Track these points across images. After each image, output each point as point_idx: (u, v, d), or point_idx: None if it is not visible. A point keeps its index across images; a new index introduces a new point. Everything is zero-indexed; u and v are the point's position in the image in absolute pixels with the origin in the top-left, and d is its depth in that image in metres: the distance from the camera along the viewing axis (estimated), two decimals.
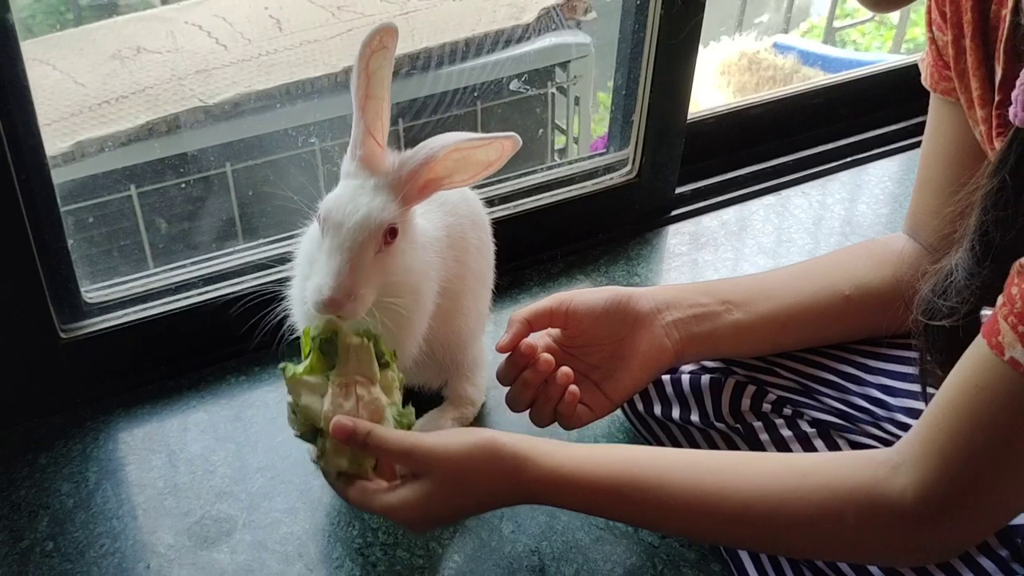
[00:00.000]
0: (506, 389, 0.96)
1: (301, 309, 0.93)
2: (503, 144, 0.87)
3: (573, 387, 0.92)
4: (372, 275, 0.85)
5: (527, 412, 0.95)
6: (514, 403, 0.94)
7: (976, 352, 0.71)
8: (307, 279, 0.87)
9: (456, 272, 0.98)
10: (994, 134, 0.84)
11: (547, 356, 0.93)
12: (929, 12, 0.92)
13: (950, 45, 0.87)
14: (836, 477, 0.76)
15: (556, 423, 0.94)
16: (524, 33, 1.84)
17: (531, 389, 0.93)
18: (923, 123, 1.61)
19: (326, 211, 0.84)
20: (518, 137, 0.86)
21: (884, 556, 0.79)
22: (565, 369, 0.93)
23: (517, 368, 0.93)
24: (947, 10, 0.87)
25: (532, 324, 0.95)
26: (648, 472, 0.81)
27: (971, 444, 0.71)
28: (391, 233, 0.85)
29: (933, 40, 0.93)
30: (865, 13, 3.50)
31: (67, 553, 0.94)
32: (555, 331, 0.98)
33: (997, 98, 0.83)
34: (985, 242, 0.74)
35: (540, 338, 0.96)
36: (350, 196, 0.84)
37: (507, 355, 0.94)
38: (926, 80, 0.96)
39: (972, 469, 0.71)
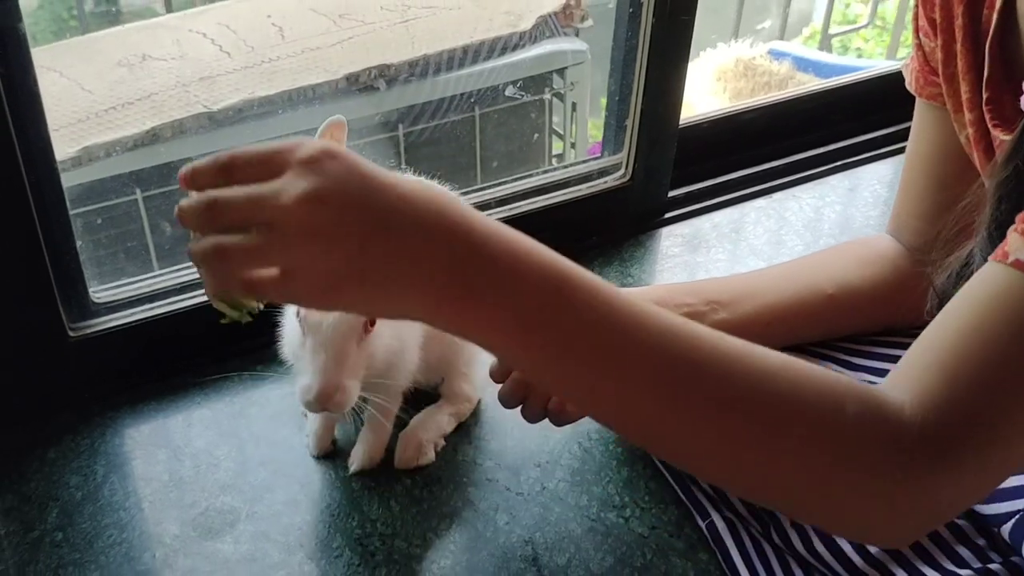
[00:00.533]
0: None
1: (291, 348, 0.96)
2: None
3: None
4: (357, 367, 0.89)
5: (519, 408, 0.98)
6: (506, 400, 0.97)
7: (976, 276, 0.68)
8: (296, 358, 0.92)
9: None
10: (990, 125, 0.86)
11: None
12: (916, 19, 0.95)
13: (939, 50, 0.90)
14: (839, 378, 0.68)
15: (547, 419, 0.97)
16: (521, 40, 1.87)
17: (521, 388, 0.96)
18: None
19: (304, 312, 0.88)
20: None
21: (875, 480, 0.66)
22: None
23: (509, 368, 0.96)
24: (937, 16, 0.89)
25: None
26: (646, 312, 0.67)
27: (974, 359, 0.65)
28: (370, 322, 0.89)
29: (920, 46, 0.95)
30: (861, 20, 3.53)
31: (76, 543, 0.97)
32: None
33: (985, 95, 0.85)
34: (1001, 228, 0.72)
35: None
36: None
37: None
38: (911, 85, 0.99)
39: (975, 387, 0.65)
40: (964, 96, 0.88)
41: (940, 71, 0.91)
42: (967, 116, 0.89)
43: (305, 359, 0.88)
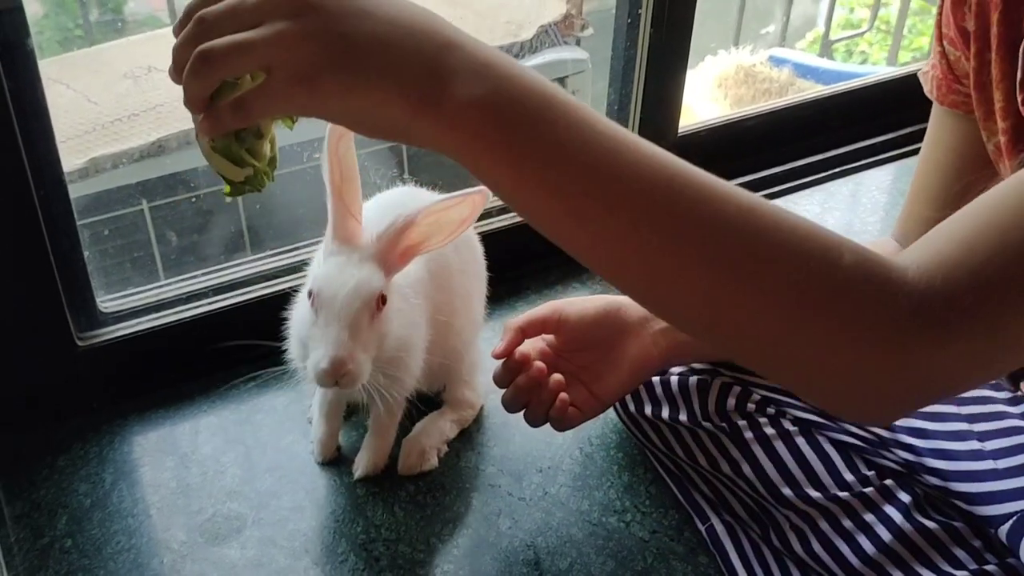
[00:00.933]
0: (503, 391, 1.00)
1: (300, 366, 0.96)
2: (474, 200, 0.90)
3: (563, 394, 0.97)
4: (369, 342, 0.89)
5: (522, 412, 0.99)
6: (509, 405, 0.98)
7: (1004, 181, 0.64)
8: (301, 346, 0.92)
9: (443, 299, 1.04)
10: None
11: (539, 364, 0.97)
12: (939, 27, 0.95)
13: (973, 58, 0.89)
14: (839, 235, 0.62)
15: (548, 423, 0.98)
16: (522, 50, 1.88)
17: (524, 394, 0.97)
18: (914, 133, 1.67)
19: (317, 288, 0.89)
20: (487, 190, 0.89)
21: (866, 334, 0.60)
22: (557, 376, 0.97)
23: (512, 374, 0.98)
24: (968, 25, 0.89)
25: (526, 332, 1.00)
26: (633, 137, 0.62)
27: (992, 229, 0.60)
28: (382, 300, 0.90)
29: (943, 54, 0.95)
30: (862, 25, 3.54)
31: (85, 550, 0.99)
32: (549, 336, 1.02)
33: (1020, 97, 0.85)
34: None
35: (534, 342, 1.01)
36: (339, 270, 0.89)
37: (503, 360, 0.98)
38: (931, 92, 0.98)
39: (990, 254, 0.59)
40: (998, 104, 0.88)
41: (971, 79, 0.91)
42: (1000, 124, 0.89)
43: (316, 335, 0.88)
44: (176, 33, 0.62)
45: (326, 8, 0.59)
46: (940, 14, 0.94)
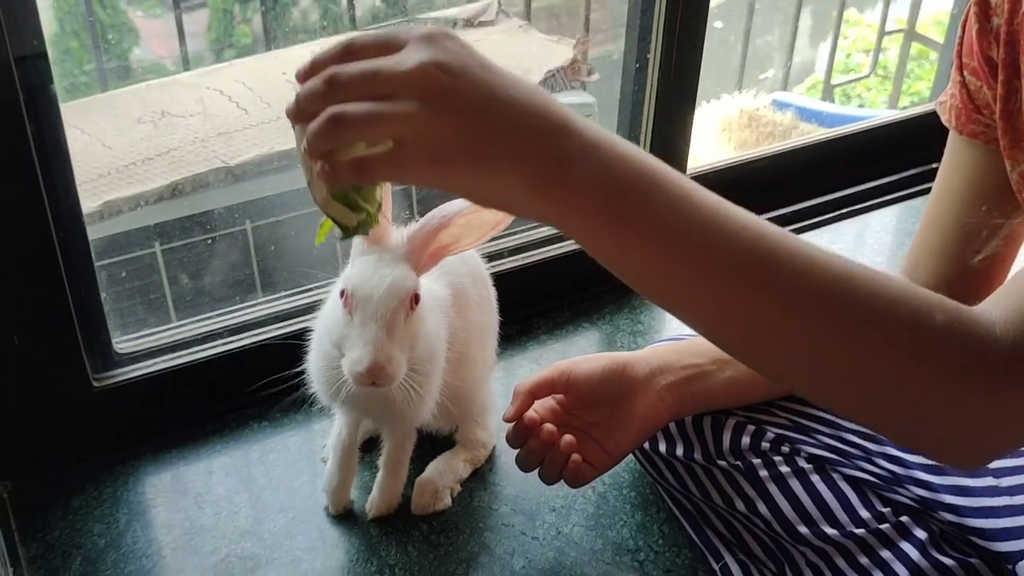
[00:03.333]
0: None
1: (319, 383, 0.97)
2: (497, 219, 0.90)
3: (576, 455, 0.97)
4: (404, 341, 0.89)
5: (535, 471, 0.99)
6: (522, 465, 0.99)
7: None
8: (326, 356, 0.92)
9: (461, 326, 1.04)
10: None
11: (550, 427, 0.97)
12: (959, 56, 0.95)
13: (1000, 86, 0.89)
14: (928, 291, 0.67)
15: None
16: None
17: (537, 455, 0.98)
18: (918, 175, 1.68)
19: (352, 286, 0.88)
20: None
21: (962, 390, 0.65)
22: (568, 437, 0.97)
23: (523, 436, 0.98)
24: (995, 54, 0.89)
25: (535, 394, 1.00)
26: (735, 208, 0.66)
27: None
28: (415, 299, 0.90)
29: (964, 84, 0.95)
30: (862, 70, 3.58)
31: None
32: (559, 395, 1.02)
33: None
34: None
35: (544, 401, 1.01)
36: (373, 269, 0.89)
37: (513, 424, 0.98)
38: (949, 122, 0.98)
39: None
40: None
41: (998, 108, 0.90)
42: None
43: (352, 336, 0.87)
44: (300, 79, 0.65)
45: (459, 92, 0.62)
46: (960, 44, 0.94)
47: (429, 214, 0.91)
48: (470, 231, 0.91)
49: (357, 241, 0.92)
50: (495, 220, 0.90)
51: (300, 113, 0.64)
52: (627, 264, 0.67)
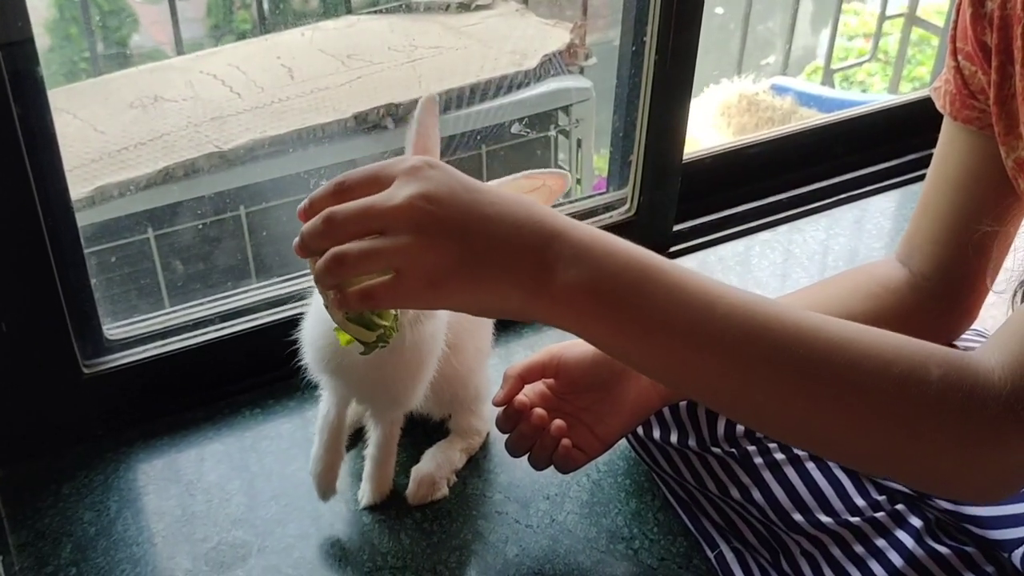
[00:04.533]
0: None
1: (312, 351, 0.96)
2: (551, 186, 0.87)
3: (566, 440, 0.96)
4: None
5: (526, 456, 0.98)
6: (512, 451, 0.98)
7: None
8: (324, 322, 0.89)
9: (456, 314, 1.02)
10: None
11: (540, 411, 0.96)
12: (953, 41, 0.94)
13: (994, 72, 0.88)
14: (923, 343, 0.70)
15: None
16: (527, 79, 1.90)
17: (527, 440, 0.96)
18: (917, 160, 1.68)
19: None
20: (567, 175, 0.87)
21: (962, 440, 0.67)
22: (558, 422, 0.96)
23: (512, 421, 0.97)
24: (988, 39, 0.88)
25: (525, 378, 0.99)
26: (723, 288, 0.70)
27: None
28: None
29: (958, 69, 0.94)
30: (862, 55, 3.56)
31: None
32: (550, 379, 1.01)
33: None
34: None
35: (535, 385, 1.00)
36: None
37: (503, 408, 0.97)
38: (944, 108, 0.97)
39: None
40: (1023, 117, 0.88)
41: (992, 93, 0.90)
42: None
43: None
44: (301, 217, 0.71)
45: (446, 218, 0.67)
46: (955, 29, 0.93)
47: None
48: None
49: None
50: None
51: (305, 250, 0.70)
52: (627, 354, 0.72)
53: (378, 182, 0.69)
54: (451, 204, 0.67)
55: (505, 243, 0.67)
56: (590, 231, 0.70)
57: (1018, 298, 0.89)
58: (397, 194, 0.67)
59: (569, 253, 0.68)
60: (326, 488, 1.04)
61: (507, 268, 0.67)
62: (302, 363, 0.98)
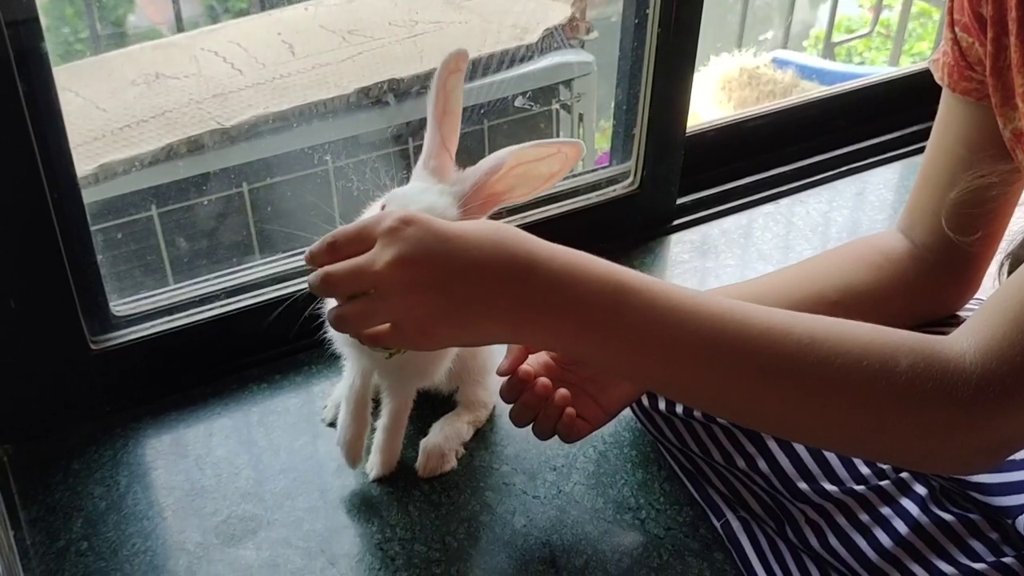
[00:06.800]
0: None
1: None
2: (567, 153, 0.88)
3: (570, 409, 0.96)
4: None
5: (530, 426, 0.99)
6: (516, 420, 0.98)
7: None
8: None
9: None
10: None
11: (544, 380, 0.96)
12: (951, 13, 0.94)
13: (990, 44, 0.89)
14: (892, 332, 0.73)
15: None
16: (528, 53, 1.89)
17: (531, 409, 0.97)
18: (919, 132, 1.67)
19: (392, 197, 0.88)
20: (582, 144, 0.88)
21: (933, 427, 0.70)
22: (562, 391, 0.96)
23: (517, 390, 0.97)
24: (984, 11, 0.89)
25: (529, 348, 0.99)
26: (694, 301, 0.74)
27: None
28: None
29: (956, 41, 0.94)
30: (862, 28, 3.54)
31: (101, 552, 0.99)
32: None
33: None
34: None
35: (539, 356, 1.00)
36: (420, 189, 0.89)
37: (507, 377, 0.98)
38: (942, 79, 0.97)
39: None
40: (1019, 89, 0.87)
41: (988, 65, 0.90)
42: (1021, 108, 0.89)
43: None
44: (308, 260, 0.78)
45: (425, 274, 0.72)
46: (952, 0, 0.93)
47: (487, 158, 0.90)
48: (524, 181, 0.90)
49: (417, 169, 0.92)
50: (551, 172, 0.90)
51: (317, 293, 0.79)
52: (610, 368, 0.81)
53: (362, 240, 0.75)
54: (427, 263, 0.72)
55: (482, 288, 0.73)
56: (563, 258, 0.74)
57: (1004, 271, 0.90)
58: (378, 259, 0.73)
59: (544, 286, 0.73)
60: (355, 456, 1.05)
61: (487, 310, 0.73)
62: (326, 336, 0.99)
